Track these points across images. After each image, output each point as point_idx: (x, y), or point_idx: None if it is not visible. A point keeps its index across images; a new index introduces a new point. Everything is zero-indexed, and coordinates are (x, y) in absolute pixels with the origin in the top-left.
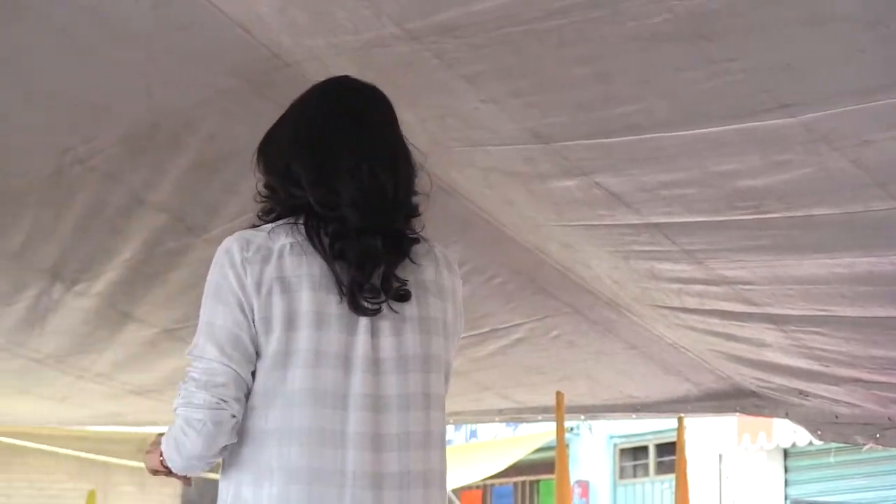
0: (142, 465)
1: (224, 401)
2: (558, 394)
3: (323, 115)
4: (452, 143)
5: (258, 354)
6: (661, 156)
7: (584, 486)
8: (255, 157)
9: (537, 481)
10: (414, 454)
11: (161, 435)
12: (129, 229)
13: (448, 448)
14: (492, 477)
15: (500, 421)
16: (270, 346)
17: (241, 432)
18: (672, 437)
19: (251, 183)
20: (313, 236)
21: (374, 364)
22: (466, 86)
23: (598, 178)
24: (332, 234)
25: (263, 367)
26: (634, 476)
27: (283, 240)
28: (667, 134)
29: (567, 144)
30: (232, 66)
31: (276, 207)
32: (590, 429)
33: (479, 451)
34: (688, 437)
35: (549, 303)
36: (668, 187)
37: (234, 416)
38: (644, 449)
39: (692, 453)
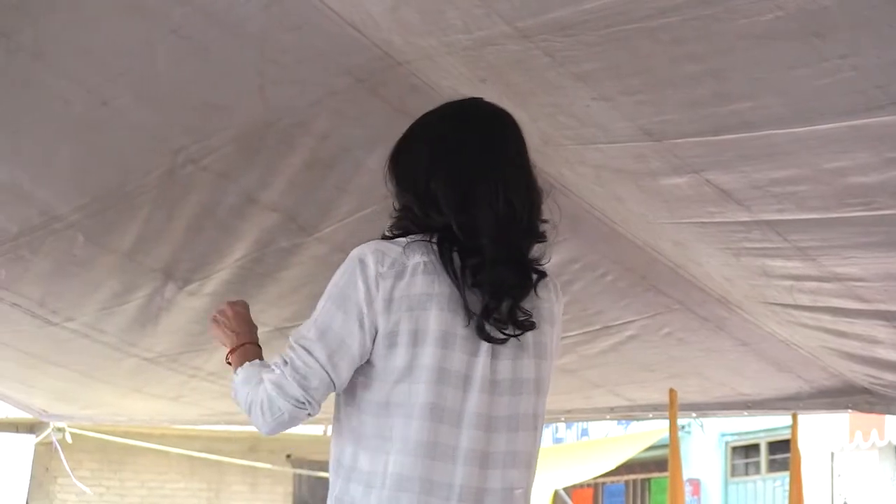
0: (254, 464)
1: (310, 402)
2: (671, 391)
3: (462, 138)
4: (564, 141)
5: (372, 365)
6: (773, 153)
7: (696, 484)
8: (388, 167)
9: (648, 479)
10: (517, 472)
11: (253, 345)
12: (242, 229)
13: (559, 446)
14: (603, 475)
15: (612, 419)
16: (395, 361)
17: (360, 437)
18: (784, 435)
19: (363, 182)
20: (447, 261)
21: (491, 385)
22: (578, 84)
23: (708, 175)
24: (475, 264)
25: (387, 380)
26: (746, 474)
27: (418, 258)
28: (778, 131)
29: (678, 142)
30: (344, 66)
31: (409, 225)
32: (701, 426)
33: (590, 450)
34: (799, 434)
35: (660, 300)
36: (779, 184)
37: (309, 415)
38: (756, 447)
39: (803, 451)
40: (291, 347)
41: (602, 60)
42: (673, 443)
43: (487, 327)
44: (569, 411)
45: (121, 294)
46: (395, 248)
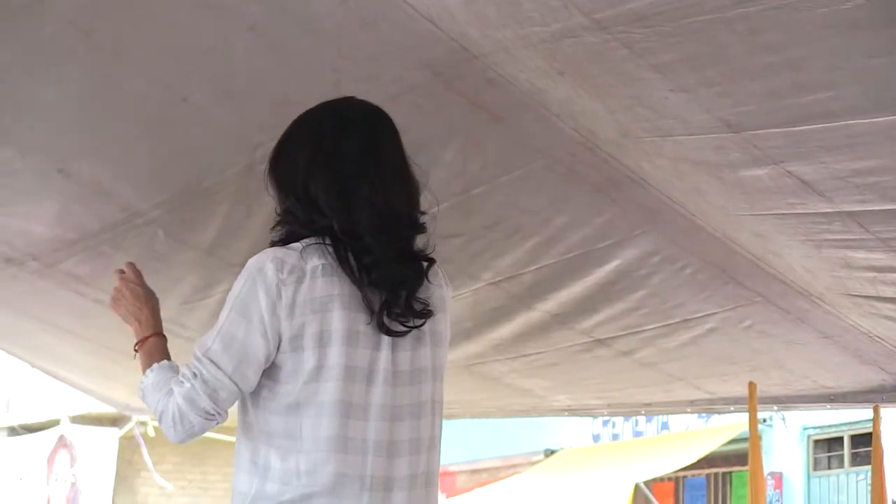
0: None
1: (219, 413)
2: (751, 384)
3: (338, 138)
4: (642, 134)
5: (279, 367)
6: (854, 143)
7: (778, 477)
8: (267, 172)
9: (730, 473)
10: (420, 458)
11: (157, 337)
12: None
13: (639, 440)
14: (684, 469)
15: (692, 412)
16: (304, 363)
17: (271, 436)
18: (867, 428)
19: (440, 176)
20: (344, 261)
21: (393, 376)
22: (656, 75)
23: (789, 166)
24: (368, 263)
25: (296, 381)
26: (829, 467)
27: (316, 260)
28: (859, 121)
29: (757, 133)
30: (420, 60)
31: (295, 229)
32: (783, 420)
33: (670, 443)
34: (883, 427)
35: (740, 292)
36: (861, 175)
37: (218, 423)
38: (838, 440)
39: (887, 444)
40: (199, 360)
41: (680, 51)
42: (753, 437)
43: (387, 322)
44: (648, 405)
45: (201, 289)
46: (292, 253)
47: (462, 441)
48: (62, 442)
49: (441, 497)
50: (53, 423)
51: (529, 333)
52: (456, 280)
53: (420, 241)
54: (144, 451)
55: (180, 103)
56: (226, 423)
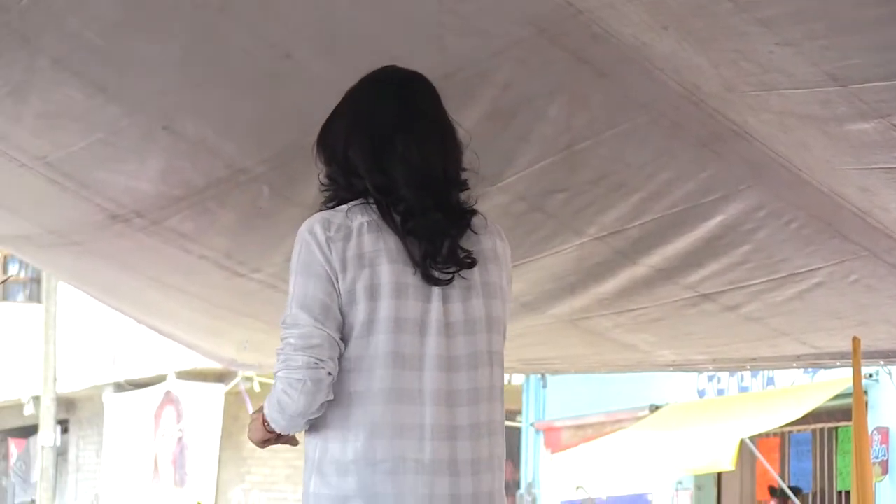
0: None
1: (321, 360)
2: (854, 339)
3: (375, 103)
4: (746, 88)
5: (344, 323)
6: None
7: (884, 432)
8: (315, 148)
9: (836, 428)
10: (481, 407)
11: (259, 410)
12: None
13: (744, 395)
14: (790, 424)
15: (798, 367)
16: (356, 316)
17: (331, 401)
18: None
19: (545, 131)
20: (386, 214)
21: (446, 327)
22: (761, 29)
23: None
24: (403, 212)
25: (351, 336)
26: None
27: (360, 218)
28: None
29: (864, 86)
30: (525, 15)
31: (340, 194)
32: (889, 375)
33: (776, 399)
34: None
35: (846, 247)
36: None
37: (329, 374)
38: None
39: None
40: (283, 336)
41: (786, 5)
42: (856, 391)
43: (432, 272)
44: (754, 360)
45: None
46: (338, 214)
47: (567, 397)
48: (168, 398)
49: (546, 452)
50: (160, 379)
51: (634, 288)
52: (560, 235)
53: (464, 196)
54: (249, 406)
55: (284, 60)
56: None
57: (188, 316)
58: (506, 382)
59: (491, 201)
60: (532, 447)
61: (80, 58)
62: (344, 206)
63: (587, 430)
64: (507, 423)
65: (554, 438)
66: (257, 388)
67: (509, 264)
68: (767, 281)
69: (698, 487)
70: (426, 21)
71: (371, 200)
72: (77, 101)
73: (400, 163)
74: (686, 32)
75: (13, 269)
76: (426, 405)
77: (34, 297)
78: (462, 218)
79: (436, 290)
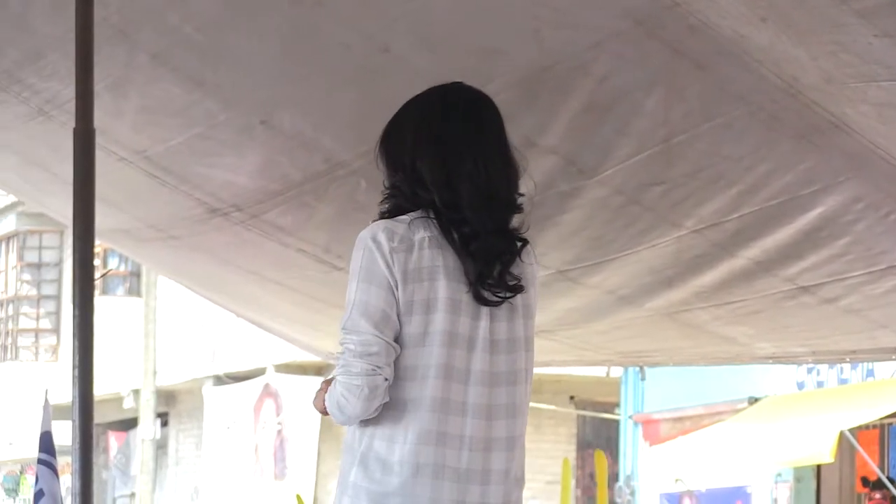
0: (538, 405)
1: (378, 367)
2: None
3: (444, 119)
4: (845, 80)
5: (401, 331)
6: None
7: None
8: (378, 150)
9: None
10: (516, 421)
11: (328, 381)
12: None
13: (844, 387)
14: (889, 416)
15: None
16: (412, 327)
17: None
18: None
19: (642, 124)
20: (447, 232)
21: (491, 345)
22: (859, 21)
23: None
24: (468, 234)
25: (406, 345)
26: None
27: (422, 233)
28: None
29: None
30: (623, 8)
31: (401, 203)
32: None
33: (876, 390)
34: None
35: None
36: None
37: (386, 380)
38: None
39: None
40: (342, 341)
41: None
42: None
43: (483, 292)
44: (853, 352)
45: None
46: (401, 225)
47: (665, 389)
48: (268, 391)
49: (644, 445)
50: (259, 372)
51: (732, 281)
52: (658, 228)
53: (517, 220)
54: None
55: (381, 53)
56: None
57: (287, 309)
58: (604, 375)
59: (589, 194)
60: (631, 439)
61: (179, 53)
62: (405, 218)
63: (686, 423)
64: (607, 415)
65: (652, 431)
66: None
67: (537, 285)
68: (866, 273)
69: (797, 480)
70: (523, 14)
71: (431, 214)
72: (175, 95)
73: (467, 181)
74: (784, 24)
75: (113, 263)
76: (468, 417)
77: (134, 290)
78: (515, 245)
79: (484, 309)
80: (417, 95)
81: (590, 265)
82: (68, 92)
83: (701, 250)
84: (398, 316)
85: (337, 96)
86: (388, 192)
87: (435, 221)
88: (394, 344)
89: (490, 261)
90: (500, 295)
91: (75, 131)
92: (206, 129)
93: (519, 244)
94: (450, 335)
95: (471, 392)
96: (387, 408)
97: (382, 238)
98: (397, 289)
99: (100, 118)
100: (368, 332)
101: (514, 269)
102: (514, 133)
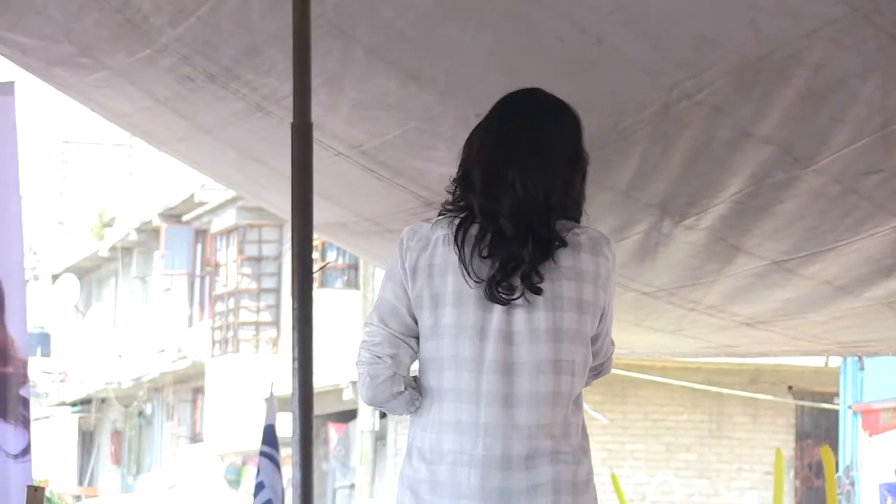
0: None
1: (379, 357)
2: None
3: (498, 128)
4: None
5: (418, 325)
6: None
7: None
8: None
9: None
10: (542, 410)
11: None
12: (737, 162)
13: None
14: None
15: None
16: (425, 320)
17: (419, 387)
18: None
19: (859, 111)
20: (458, 234)
21: (508, 336)
22: None
23: None
24: (489, 240)
25: (422, 338)
26: None
27: (441, 231)
28: None
29: None
30: None
31: (453, 206)
32: None
33: None
34: None
35: None
36: None
37: (388, 369)
38: None
39: None
40: (364, 334)
41: None
42: None
43: (494, 292)
44: None
45: (619, 230)
46: (426, 225)
47: (885, 378)
48: None
49: (864, 435)
50: None
51: None
52: (875, 217)
53: (567, 225)
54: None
55: (596, 45)
56: (641, 362)
57: None
58: (823, 364)
59: (805, 184)
60: (850, 429)
61: (394, 47)
62: (436, 218)
63: None
64: (825, 405)
65: (872, 420)
66: None
67: (601, 277)
68: None
69: None
70: (739, 2)
71: (459, 215)
72: (390, 89)
73: (507, 190)
74: None
75: (331, 257)
76: (481, 405)
77: (352, 283)
78: (548, 250)
79: None
80: (497, 102)
81: (806, 255)
82: (286, 88)
83: None
84: (411, 311)
85: (552, 88)
86: (451, 192)
87: (457, 221)
88: (400, 336)
89: (506, 266)
90: (512, 297)
91: (293, 126)
92: (421, 123)
93: (554, 246)
94: (458, 327)
95: (483, 381)
96: (423, 400)
97: (404, 238)
98: (407, 284)
99: (316, 113)
100: (375, 325)
101: (542, 267)
102: (728, 123)
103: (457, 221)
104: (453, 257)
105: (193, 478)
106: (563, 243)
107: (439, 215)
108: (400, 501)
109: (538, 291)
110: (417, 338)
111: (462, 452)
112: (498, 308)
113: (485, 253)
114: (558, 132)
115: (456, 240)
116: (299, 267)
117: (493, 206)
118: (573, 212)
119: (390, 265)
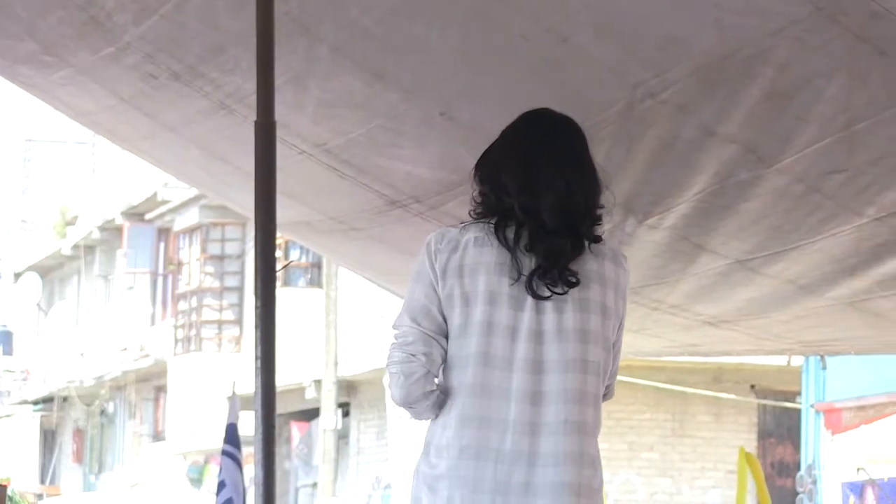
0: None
1: (413, 355)
2: None
3: (529, 136)
4: None
5: (447, 325)
6: None
7: None
8: (473, 171)
9: None
10: (570, 407)
11: None
12: (700, 162)
13: None
14: None
15: None
16: (454, 320)
17: (443, 391)
18: None
19: (824, 111)
20: (499, 231)
21: (538, 335)
22: None
23: None
24: (531, 232)
25: (451, 336)
26: None
27: (471, 234)
28: None
29: None
30: None
31: (487, 209)
32: None
33: None
34: None
35: None
36: None
37: (422, 367)
38: None
39: None
40: (393, 336)
41: None
42: None
43: (535, 284)
44: None
45: None
46: (454, 229)
47: (847, 377)
48: None
49: (826, 434)
50: None
51: None
52: (839, 216)
53: (595, 229)
54: None
55: (561, 44)
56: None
57: None
58: (785, 363)
59: (769, 183)
60: (812, 428)
61: (359, 45)
62: (467, 223)
63: (868, 411)
64: (788, 404)
65: (835, 419)
66: None
67: (621, 285)
68: None
69: None
70: (704, 2)
71: (492, 220)
72: (355, 88)
73: (546, 188)
74: None
75: (294, 255)
76: (511, 402)
77: (315, 282)
78: (581, 245)
79: (529, 301)
80: (513, 122)
81: (770, 254)
82: (250, 86)
83: (883, 239)
84: (442, 311)
85: (516, 87)
86: (478, 200)
87: (492, 224)
88: (433, 334)
89: (551, 257)
90: (554, 290)
91: (256, 125)
92: (386, 121)
93: (587, 243)
94: (488, 325)
95: (515, 378)
96: (445, 395)
97: (432, 241)
98: (437, 284)
99: (280, 111)
100: (407, 325)
101: (575, 266)
102: (692, 123)
103: (494, 221)
104: (485, 258)
105: (155, 476)
106: (598, 239)
107: (473, 219)
108: (416, 498)
109: (574, 284)
110: (447, 337)
111: (488, 448)
112: (529, 308)
113: (527, 248)
114: (580, 144)
115: (499, 237)
116: (262, 265)
117: (534, 203)
118: (599, 222)
119: (417, 268)
